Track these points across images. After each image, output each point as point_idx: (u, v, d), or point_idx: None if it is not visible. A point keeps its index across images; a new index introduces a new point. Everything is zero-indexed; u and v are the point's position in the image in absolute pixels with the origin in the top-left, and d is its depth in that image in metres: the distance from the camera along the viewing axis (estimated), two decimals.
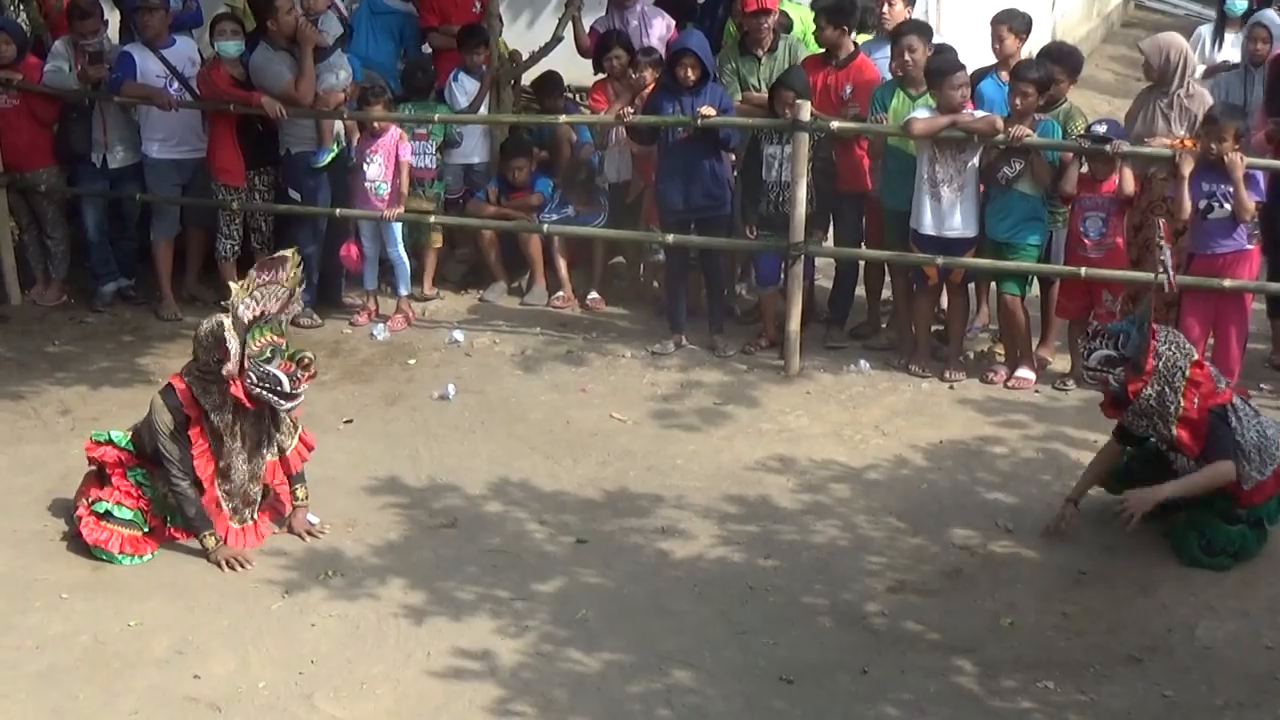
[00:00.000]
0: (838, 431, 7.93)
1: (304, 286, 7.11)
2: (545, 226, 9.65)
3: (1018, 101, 8.30)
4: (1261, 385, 8.36)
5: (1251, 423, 6.52)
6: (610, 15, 10.32)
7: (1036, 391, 8.43)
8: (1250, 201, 7.87)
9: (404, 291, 9.72)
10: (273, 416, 6.76)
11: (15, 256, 10.15)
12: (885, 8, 9.12)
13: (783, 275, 8.94)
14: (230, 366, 6.39)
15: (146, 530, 6.66)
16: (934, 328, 8.98)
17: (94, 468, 6.77)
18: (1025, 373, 8.55)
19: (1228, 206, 7.87)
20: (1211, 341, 8.18)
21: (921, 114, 8.36)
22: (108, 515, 6.58)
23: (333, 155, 9.48)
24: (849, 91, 8.87)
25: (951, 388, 8.46)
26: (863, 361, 8.84)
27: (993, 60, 9.06)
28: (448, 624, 6.03)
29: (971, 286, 8.88)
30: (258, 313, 6.55)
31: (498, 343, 9.33)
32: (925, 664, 5.71)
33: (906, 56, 8.63)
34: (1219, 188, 7.89)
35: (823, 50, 9.11)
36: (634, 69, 9.32)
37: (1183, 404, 6.39)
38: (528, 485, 7.34)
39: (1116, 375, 6.49)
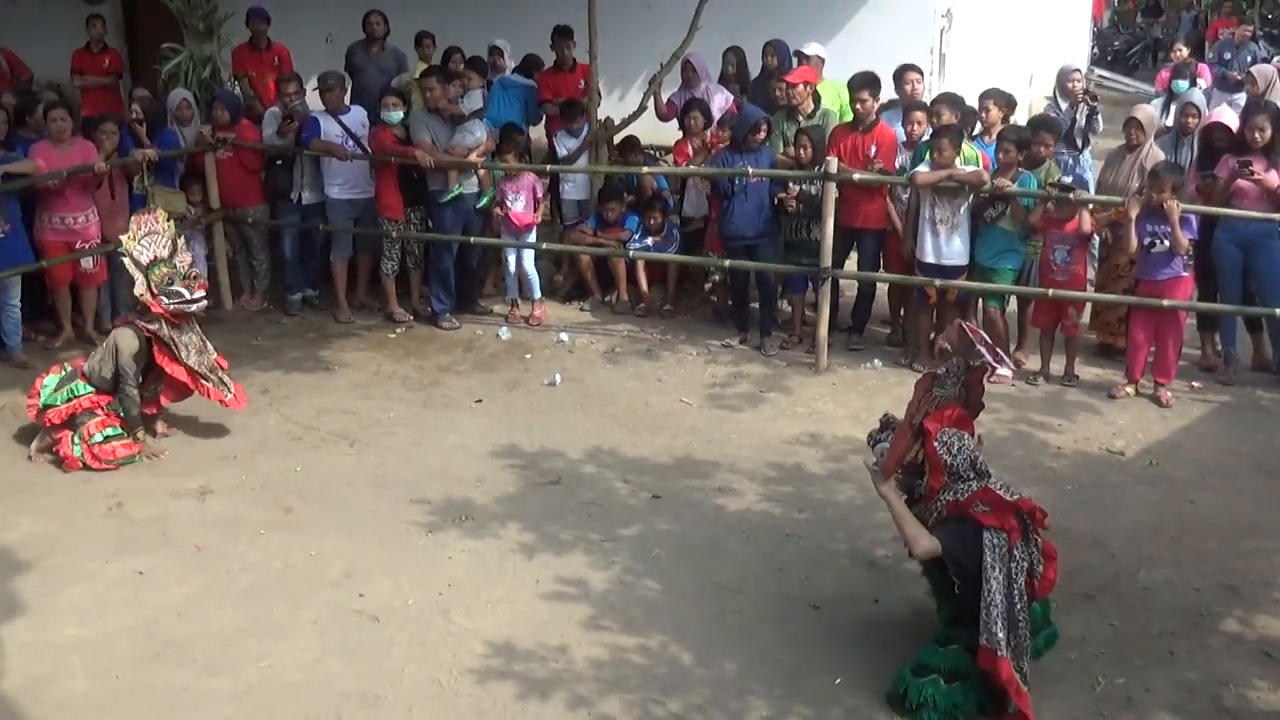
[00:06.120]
0: (856, 415, 7.86)
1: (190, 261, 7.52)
2: (631, 252, 9.66)
3: (1000, 157, 8.20)
4: (1193, 383, 8.22)
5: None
6: (683, 90, 10.34)
7: (1012, 386, 8.31)
8: (1184, 239, 7.76)
9: (537, 295, 9.86)
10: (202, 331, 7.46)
11: (228, 272, 10.29)
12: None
13: (813, 291, 8.90)
14: (139, 290, 7.13)
15: (130, 439, 7.17)
16: (932, 335, 8.88)
17: (57, 422, 7.10)
18: (1004, 371, 8.36)
19: (1167, 243, 7.76)
20: (1153, 349, 8.08)
21: (923, 169, 8.27)
22: (107, 439, 7.04)
23: (453, 194, 9.51)
24: (874, 151, 8.77)
25: None
26: (876, 360, 8.76)
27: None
28: (552, 558, 6.04)
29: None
30: (152, 257, 7.19)
31: (594, 342, 9.33)
32: (919, 596, 5.60)
33: (913, 125, 8.64)
34: (1160, 228, 7.77)
35: (851, 119, 9.01)
36: (715, 128, 9.60)
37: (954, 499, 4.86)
38: (615, 453, 7.33)
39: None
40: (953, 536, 4.74)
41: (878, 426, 5.52)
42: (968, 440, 4.88)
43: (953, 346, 5.09)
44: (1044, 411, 7.86)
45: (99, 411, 7.11)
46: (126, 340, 7.17)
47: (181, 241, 7.43)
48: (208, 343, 7.46)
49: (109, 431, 7.09)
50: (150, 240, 7.23)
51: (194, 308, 7.26)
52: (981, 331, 5.21)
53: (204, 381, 7.32)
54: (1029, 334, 8.78)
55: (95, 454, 7.01)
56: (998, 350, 5.10)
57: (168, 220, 7.39)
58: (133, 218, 7.39)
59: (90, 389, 7.16)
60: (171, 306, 7.12)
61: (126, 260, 7.18)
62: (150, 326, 7.18)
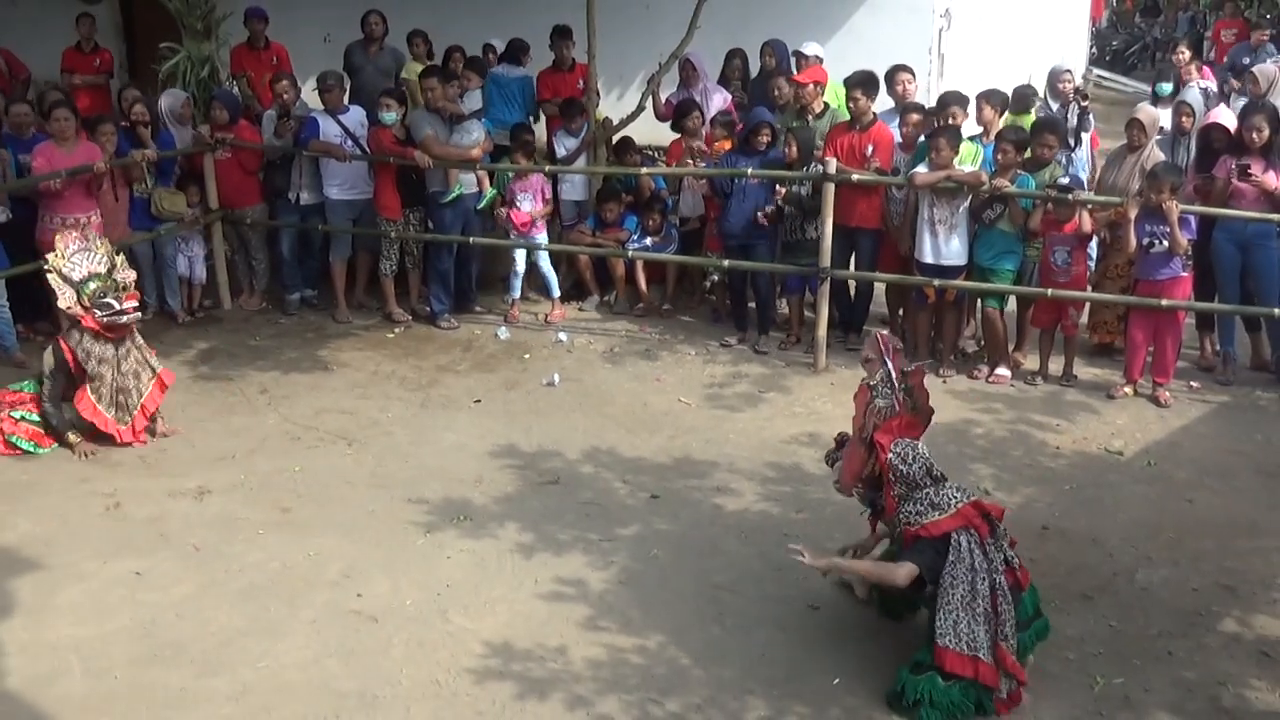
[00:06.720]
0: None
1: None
2: (630, 251, 9.66)
3: (999, 157, 8.19)
4: (1192, 383, 8.22)
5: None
6: (680, 90, 10.33)
7: (1011, 385, 8.31)
8: (1183, 239, 7.76)
9: (556, 294, 9.90)
10: (138, 347, 7.49)
11: (226, 272, 10.28)
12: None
13: (812, 291, 8.91)
14: (63, 304, 7.25)
15: (45, 431, 7.34)
16: (932, 335, 8.88)
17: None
18: (1002, 371, 8.44)
19: (1166, 243, 7.76)
20: (1151, 348, 8.08)
21: (922, 169, 8.27)
22: (22, 419, 7.32)
23: (454, 195, 9.52)
24: (870, 150, 8.76)
25: (944, 382, 8.36)
26: None
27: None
28: (551, 558, 6.04)
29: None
30: (86, 273, 7.28)
31: (592, 342, 9.33)
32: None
33: (909, 127, 8.66)
34: (1159, 228, 7.78)
35: (849, 118, 9.00)
36: (711, 127, 9.57)
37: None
38: (614, 453, 7.33)
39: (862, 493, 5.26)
40: (923, 552, 4.83)
41: (834, 445, 5.57)
42: (921, 448, 4.97)
43: (877, 357, 5.25)
44: (1043, 411, 7.85)
45: (32, 406, 7.40)
46: (46, 356, 7.39)
47: (121, 258, 7.53)
48: (144, 352, 7.52)
49: (29, 416, 7.34)
50: (81, 257, 7.33)
51: (125, 319, 7.32)
52: (892, 343, 5.31)
53: (106, 414, 7.32)
54: (1028, 334, 8.78)
55: (3, 428, 7.28)
56: (901, 361, 5.29)
57: (100, 238, 7.54)
58: (57, 236, 7.48)
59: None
60: (104, 320, 7.22)
61: (51, 277, 7.28)
62: (70, 344, 7.29)
